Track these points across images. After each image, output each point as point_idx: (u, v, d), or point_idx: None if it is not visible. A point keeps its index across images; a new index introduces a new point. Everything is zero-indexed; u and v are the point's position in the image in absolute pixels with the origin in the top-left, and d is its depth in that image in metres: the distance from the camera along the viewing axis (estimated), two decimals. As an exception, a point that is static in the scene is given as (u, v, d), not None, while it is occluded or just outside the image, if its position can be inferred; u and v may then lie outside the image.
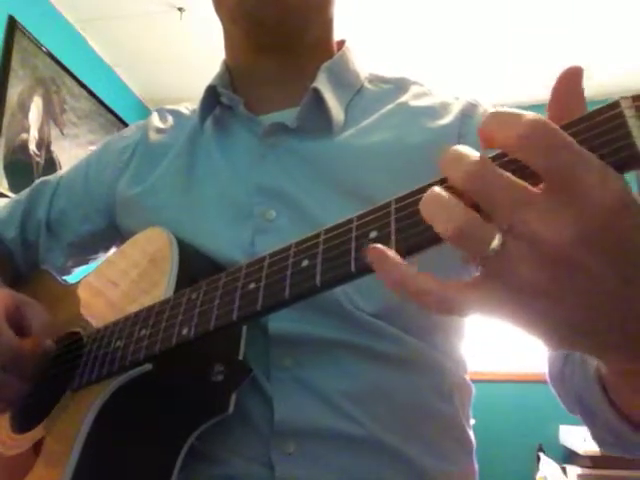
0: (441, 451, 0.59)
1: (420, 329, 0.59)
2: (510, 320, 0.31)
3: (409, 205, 0.35)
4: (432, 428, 0.59)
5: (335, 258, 0.38)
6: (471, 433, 0.64)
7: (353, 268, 0.36)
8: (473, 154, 0.30)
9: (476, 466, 0.65)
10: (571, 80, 0.32)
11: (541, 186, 0.29)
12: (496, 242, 0.29)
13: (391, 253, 0.32)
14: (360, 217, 0.38)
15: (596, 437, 0.52)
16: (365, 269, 0.36)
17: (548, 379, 0.58)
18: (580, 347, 0.33)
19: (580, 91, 0.32)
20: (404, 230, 0.34)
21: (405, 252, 0.34)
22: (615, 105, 0.29)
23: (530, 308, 0.30)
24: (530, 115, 0.29)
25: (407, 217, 0.34)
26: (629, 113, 0.28)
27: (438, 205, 0.31)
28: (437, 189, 0.31)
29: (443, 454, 0.60)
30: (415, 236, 0.34)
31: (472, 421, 0.66)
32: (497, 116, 0.30)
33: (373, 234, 0.36)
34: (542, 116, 0.29)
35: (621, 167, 0.29)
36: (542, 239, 0.28)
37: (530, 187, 0.29)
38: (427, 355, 0.59)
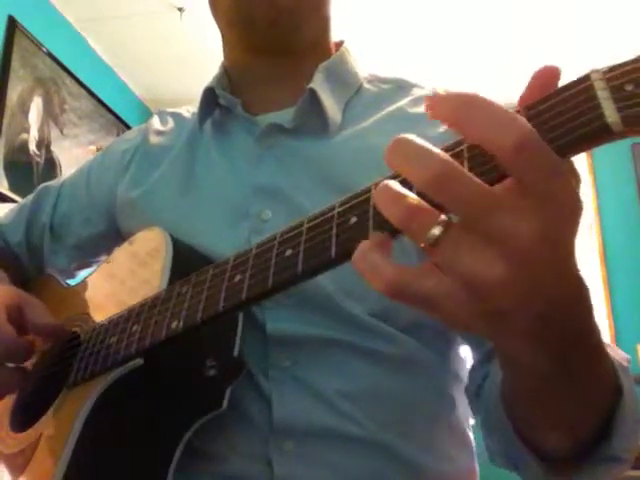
0: (439, 450, 0.60)
1: (417, 328, 0.59)
2: (447, 313, 0.31)
3: None
4: (430, 427, 0.60)
5: (316, 245, 0.38)
6: (471, 433, 0.64)
7: (333, 254, 0.37)
8: (437, 152, 0.29)
9: (477, 466, 0.65)
10: (547, 80, 0.31)
11: (507, 182, 0.29)
12: (436, 230, 0.29)
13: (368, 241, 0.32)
14: (342, 204, 0.38)
15: (493, 453, 0.53)
16: (345, 255, 0.36)
17: (464, 393, 0.59)
18: (497, 336, 0.34)
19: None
20: (381, 214, 0.35)
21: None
22: (585, 78, 0.29)
23: (481, 303, 0.30)
24: (523, 124, 0.28)
25: None
26: (599, 85, 0.29)
27: (387, 195, 0.31)
28: (390, 181, 0.31)
29: (441, 453, 0.60)
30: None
31: (472, 421, 0.66)
32: (481, 111, 0.29)
33: (353, 220, 0.36)
34: (531, 128, 0.28)
35: (592, 139, 0.29)
36: (517, 238, 0.28)
37: (495, 189, 0.29)
38: (424, 354, 0.59)
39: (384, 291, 0.31)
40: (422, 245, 0.30)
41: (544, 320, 0.31)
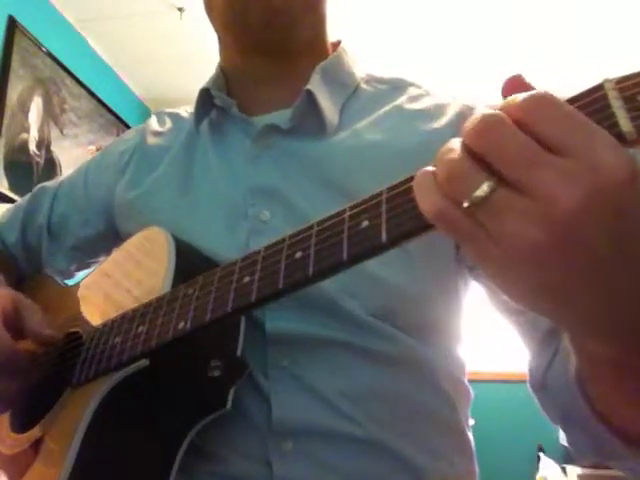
0: (439, 451, 0.59)
1: (417, 329, 0.59)
2: (493, 273, 0.31)
3: (400, 194, 0.35)
4: (429, 428, 0.59)
5: (328, 248, 0.39)
6: (470, 434, 0.64)
7: (345, 257, 0.37)
8: (490, 111, 0.30)
9: (476, 467, 0.64)
10: (518, 86, 0.32)
11: None
12: (483, 189, 0.29)
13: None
14: (352, 207, 0.39)
15: (579, 449, 0.51)
16: (356, 258, 0.37)
17: (530, 390, 0.56)
18: (558, 314, 0.32)
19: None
20: (395, 217, 0.35)
21: (396, 239, 0.35)
22: (599, 87, 0.30)
23: (519, 266, 0.29)
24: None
25: (398, 205, 0.35)
26: (612, 95, 0.29)
27: (441, 153, 0.31)
28: (452, 143, 0.31)
29: (441, 454, 0.60)
30: (406, 222, 0.34)
31: (471, 422, 0.66)
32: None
33: (365, 223, 0.37)
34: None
35: None
36: (556, 200, 0.27)
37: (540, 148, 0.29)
38: (423, 355, 0.59)
39: (430, 215, 0.31)
40: (466, 205, 0.29)
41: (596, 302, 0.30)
